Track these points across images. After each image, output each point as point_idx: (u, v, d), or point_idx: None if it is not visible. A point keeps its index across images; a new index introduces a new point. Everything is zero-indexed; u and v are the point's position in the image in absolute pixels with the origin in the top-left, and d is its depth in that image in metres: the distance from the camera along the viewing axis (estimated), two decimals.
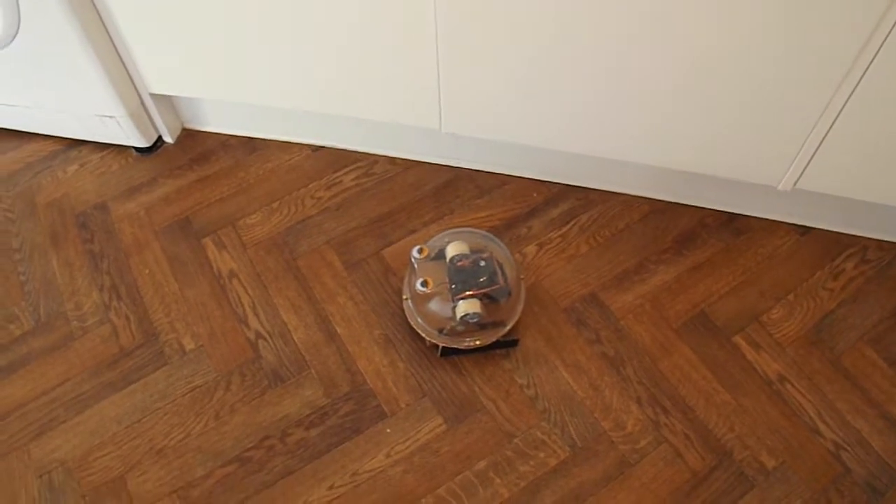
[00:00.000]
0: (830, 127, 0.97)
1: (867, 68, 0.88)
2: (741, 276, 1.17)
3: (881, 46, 0.86)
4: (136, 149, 1.37)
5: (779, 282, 1.17)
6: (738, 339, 1.11)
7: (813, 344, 1.10)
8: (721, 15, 0.88)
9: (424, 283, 1.03)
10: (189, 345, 1.13)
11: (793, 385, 1.07)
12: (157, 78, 1.24)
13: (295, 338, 1.13)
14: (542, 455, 1.02)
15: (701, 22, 0.90)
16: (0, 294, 1.21)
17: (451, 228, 1.22)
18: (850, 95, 0.92)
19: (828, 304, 1.14)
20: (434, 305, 1.06)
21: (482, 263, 1.05)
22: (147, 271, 1.22)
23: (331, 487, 1.00)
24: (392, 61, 1.08)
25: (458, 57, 1.04)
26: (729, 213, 1.24)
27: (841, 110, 0.95)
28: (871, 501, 0.98)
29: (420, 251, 1.06)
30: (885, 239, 1.21)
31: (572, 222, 1.24)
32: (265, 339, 1.13)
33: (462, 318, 1.02)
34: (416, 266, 1.06)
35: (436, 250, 1.09)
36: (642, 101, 1.02)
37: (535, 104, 1.08)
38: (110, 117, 1.28)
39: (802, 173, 1.05)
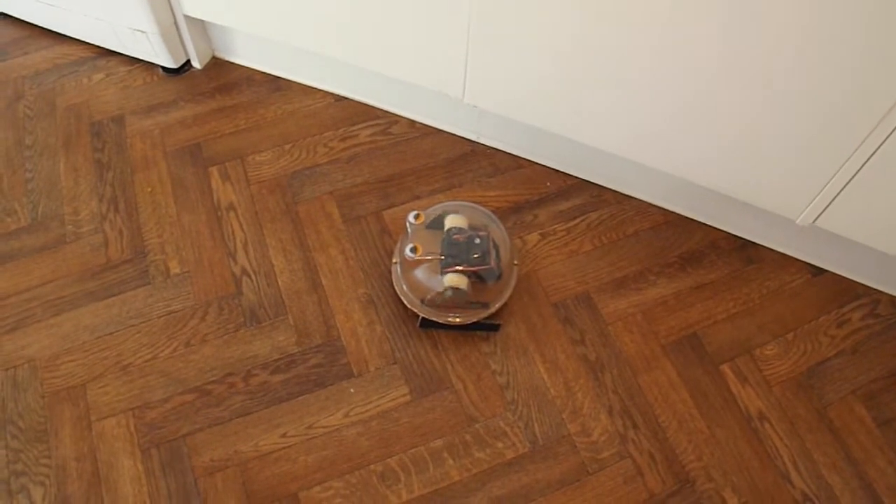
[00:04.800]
0: (860, 168, 0.92)
1: None
2: (743, 305, 1.13)
3: None
4: (164, 68, 1.36)
5: (780, 318, 1.12)
6: (725, 368, 1.07)
7: (802, 388, 1.06)
8: (774, 40, 0.84)
9: (414, 249, 1.00)
10: (175, 269, 1.13)
11: (772, 426, 1.03)
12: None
13: (279, 281, 1.12)
14: (500, 445, 1.00)
15: (752, 43, 0.85)
16: (3, 186, 1.21)
17: (455, 201, 1.19)
18: (886, 138, 0.87)
19: (826, 351, 1.10)
20: (421, 273, 1.04)
21: (477, 241, 1.02)
22: (149, 189, 1.21)
23: (283, 435, 0.99)
24: (423, 21, 1.05)
25: (490, 31, 1.00)
26: (744, 239, 1.19)
27: (874, 152, 0.90)
28: None
29: (416, 217, 1.04)
30: None
31: (581, 218, 1.20)
32: (249, 276, 1.12)
33: (445, 290, 0.99)
34: (409, 231, 1.04)
35: (434, 219, 1.06)
36: (677, 108, 0.98)
37: (558, 90, 1.04)
38: (142, 32, 1.27)
39: (823, 211, 1.01)
